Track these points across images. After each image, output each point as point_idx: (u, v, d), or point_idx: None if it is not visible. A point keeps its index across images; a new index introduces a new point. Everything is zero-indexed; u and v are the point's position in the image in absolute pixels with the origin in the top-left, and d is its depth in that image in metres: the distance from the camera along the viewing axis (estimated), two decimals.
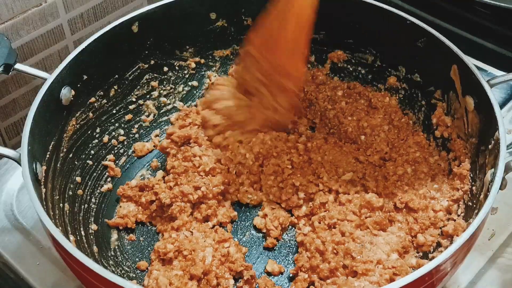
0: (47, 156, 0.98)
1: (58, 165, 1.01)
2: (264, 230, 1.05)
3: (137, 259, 1.02)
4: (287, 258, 1.03)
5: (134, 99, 1.18)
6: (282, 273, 1.01)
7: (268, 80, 1.07)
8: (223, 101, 1.14)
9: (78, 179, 1.06)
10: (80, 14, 1.28)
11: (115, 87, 1.14)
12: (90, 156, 1.10)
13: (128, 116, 1.18)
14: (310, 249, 0.97)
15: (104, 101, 1.13)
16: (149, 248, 1.04)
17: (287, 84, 1.07)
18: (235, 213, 1.07)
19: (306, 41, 1.06)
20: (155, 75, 1.20)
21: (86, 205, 1.06)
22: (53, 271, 1.00)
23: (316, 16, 1.17)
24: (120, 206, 1.08)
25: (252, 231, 1.07)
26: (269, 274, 1.00)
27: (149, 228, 1.07)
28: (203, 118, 1.15)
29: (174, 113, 1.22)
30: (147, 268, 1.00)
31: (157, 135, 1.21)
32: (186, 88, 1.24)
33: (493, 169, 0.89)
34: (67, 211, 0.99)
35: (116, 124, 1.16)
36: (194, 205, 1.05)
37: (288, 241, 1.05)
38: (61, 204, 0.98)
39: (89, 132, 1.11)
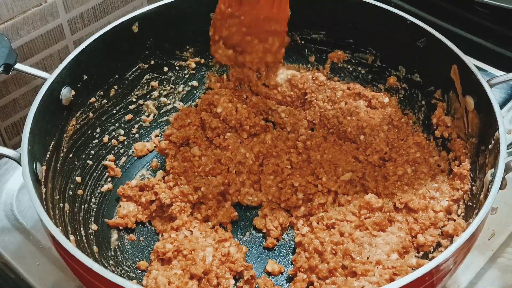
0: (47, 156, 0.98)
1: (58, 165, 1.01)
2: (264, 230, 1.06)
3: (137, 259, 1.02)
4: (287, 258, 1.03)
5: (134, 99, 1.18)
6: (282, 273, 1.01)
7: (254, 29, 1.07)
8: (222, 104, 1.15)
9: (78, 179, 1.06)
10: (80, 14, 1.28)
11: (115, 87, 1.14)
12: (90, 156, 1.10)
13: (128, 116, 1.18)
14: (309, 249, 0.97)
15: (104, 101, 1.13)
16: (149, 248, 1.04)
17: (274, 27, 1.08)
18: (236, 213, 1.07)
19: None
20: (155, 75, 1.20)
21: (86, 205, 1.06)
22: (53, 271, 1.00)
23: (316, 16, 1.18)
24: (120, 206, 1.08)
25: (252, 231, 1.07)
26: (269, 274, 1.00)
27: (149, 228, 1.07)
28: (203, 120, 1.15)
29: (174, 113, 1.22)
30: (147, 268, 1.00)
31: (157, 135, 1.21)
32: (186, 88, 1.24)
33: (493, 169, 0.89)
34: (67, 211, 0.99)
35: (116, 124, 1.16)
36: (194, 205, 1.05)
37: (288, 241, 1.05)
38: (61, 204, 0.98)
39: (89, 132, 1.11)
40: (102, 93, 1.12)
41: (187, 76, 1.24)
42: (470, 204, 0.97)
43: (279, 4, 1.06)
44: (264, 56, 1.14)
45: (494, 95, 0.95)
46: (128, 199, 1.08)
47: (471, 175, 0.99)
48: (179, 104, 1.23)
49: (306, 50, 1.23)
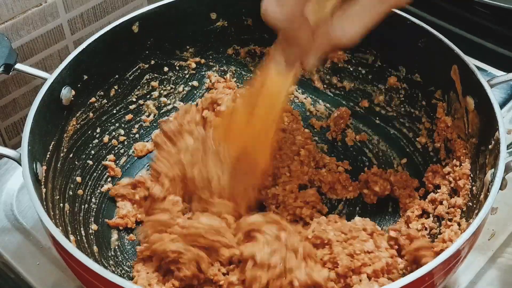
0: (47, 156, 0.98)
1: (59, 165, 1.01)
2: None
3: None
4: None
5: (134, 99, 1.18)
6: None
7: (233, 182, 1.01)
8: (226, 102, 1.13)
9: (79, 179, 1.06)
10: (80, 14, 1.28)
11: (116, 87, 1.14)
12: (91, 156, 1.10)
13: (129, 116, 1.18)
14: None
15: (105, 101, 1.13)
16: None
17: (251, 179, 1.01)
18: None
19: (272, 136, 0.98)
20: (156, 75, 1.20)
21: (86, 205, 1.06)
22: (53, 271, 1.00)
23: None
24: (118, 207, 1.08)
25: None
26: None
27: None
28: (205, 118, 1.14)
29: (174, 112, 1.22)
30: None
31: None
32: (186, 88, 1.24)
33: (493, 169, 0.89)
34: (67, 211, 0.99)
35: (117, 124, 1.16)
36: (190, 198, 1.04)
37: None
38: (61, 204, 0.98)
39: (89, 132, 1.11)
40: (102, 93, 1.12)
41: (187, 76, 1.24)
42: (470, 204, 0.97)
43: (254, 153, 0.99)
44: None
45: (494, 95, 0.95)
46: (123, 198, 1.08)
47: (471, 175, 0.99)
48: (179, 104, 1.23)
49: None
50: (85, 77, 1.07)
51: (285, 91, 0.92)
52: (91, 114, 1.10)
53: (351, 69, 1.21)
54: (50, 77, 0.99)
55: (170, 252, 0.92)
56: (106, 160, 1.13)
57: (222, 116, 1.09)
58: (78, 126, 1.07)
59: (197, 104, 1.22)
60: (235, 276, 0.91)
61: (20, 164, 0.88)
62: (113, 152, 1.15)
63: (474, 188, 0.97)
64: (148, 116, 1.21)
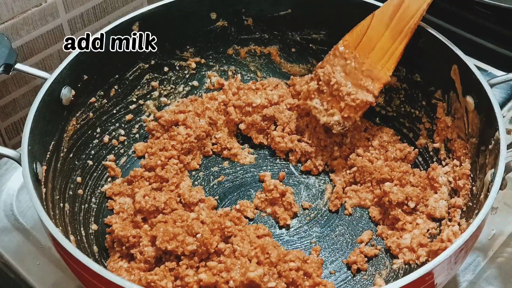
0: (47, 156, 0.98)
1: (59, 165, 1.01)
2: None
3: None
4: None
5: (134, 99, 1.18)
6: None
7: (350, 78, 1.08)
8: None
9: (79, 179, 1.06)
10: (80, 14, 1.28)
11: (116, 87, 1.14)
12: (91, 156, 1.10)
13: (129, 116, 1.18)
14: None
15: (105, 101, 1.13)
16: None
17: (368, 85, 1.07)
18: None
19: (403, 47, 1.07)
20: (156, 75, 1.20)
21: (86, 205, 1.06)
22: (53, 271, 1.00)
23: (317, 16, 1.18)
24: (119, 203, 1.08)
25: None
26: None
27: None
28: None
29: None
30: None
31: None
32: (186, 88, 1.24)
33: (493, 169, 0.89)
34: (67, 211, 0.99)
35: (117, 124, 1.16)
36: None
37: None
38: (61, 204, 0.98)
39: (89, 132, 1.11)
40: (102, 93, 1.12)
41: (187, 76, 1.24)
42: (470, 204, 0.97)
43: (385, 62, 1.08)
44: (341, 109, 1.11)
45: (494, 95, 0.95)
46: (121, 195, 1.09)
47: (471, 175, 0.99)
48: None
49: (306, 50, 1.23)
50: (85, 77, 1.07)
51: (425, 4, 1.04)
52: (91, 114, 1.10)
53: None
54: (50, 77, 0.99)
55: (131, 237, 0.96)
56: (106, 160, 1.13)
57: (353, 31, 1.11)
58: (78, 126, 1.07)
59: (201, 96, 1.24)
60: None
61: (20, 164, 0.88)
62: (113, 152, 1.15)
63: (474, 188, 0.97)
64: (149, 116, 1.21)
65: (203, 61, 1.24)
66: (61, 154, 1.03)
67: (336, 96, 1.09)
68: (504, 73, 1.03)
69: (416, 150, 1.12)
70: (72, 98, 1.04)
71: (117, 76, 1.14)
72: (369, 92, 1.07)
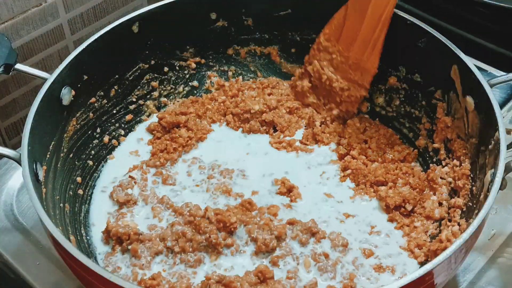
0: (48, 156, 0.98)
1: (59, 165, 1.01)
2: None
3: None
4: None
5: (134, 99, 1.18)
6: None
7: (340, 73, 1.07)
8: None
9: (79, 179, 1.06)
10: (80, 14, 1.28)
11: (116, 87, 1.14)
12: (91, 156, 1.10)
13: (129, 116, 1.18)
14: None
15: (105, 101, 1.13)
16: None
17: (358, 77, 1.08)
18: None
19: (383, 37, 1.08)
20: (156, 75, 1.20)
21: (86, 205, 1.06)
22: (53, 271, 1.00)
23: (317, 16, 1.18)
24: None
25: None
26: None
27: None
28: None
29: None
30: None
31: None
32: (186, 88, 1.24)
33: (493, 170, 0.89)
34: (67, 211, 0.99)
35: (117, 124, 1.16)
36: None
37: None
38: (61, 204, 0.98)
39: (89, 132, 1.11)
40: (102, 93, 1.12)
41: (187, 76, 1.24)
42: (470, 204, 0.97)
43: (370, 53, 1.08)
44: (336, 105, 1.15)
45: (494, 95, 0.95)
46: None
47: (471, 175, 0.99)
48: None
49: (306, 50, 1.23)
50: (85, 77, 1.07)
51: None
52: (91, 114, 1.10)
53: None
54: (50, 77, 0.99)
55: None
56: (107, 161, 1.13)
57: (331, 22, 1.12)
58: (78, 126, 1.07)
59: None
60: None
61: (20, 164, 0.88)
62: (113, 152, 1.15)
63: (474, 188, 0.97)
64: (149, 116, 1.21)
65: (203, 61, 1.24)
66: (61, 154, 1.03)
67: (330, 91, 1.10)
68: (504, 73, 1.03)
69: (416, 150, 1.12)
70: (72, 98, 1.04)
71: (117, 76, 1.14)
72: (360, 86, 1.09)
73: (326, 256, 0.96)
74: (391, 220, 1.02)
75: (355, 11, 1.08)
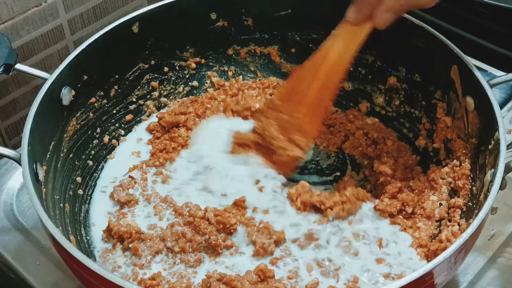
0: (48, 156, 0.98)
1: (59, 165, 1.01)
2: None
3: None
4: None
5: (134, 99, 1.18)
6: None
7: (283, 132, 1.05)
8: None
9: (79, 179, 1.06)
10: (80, 14, 1.28)
11: (116, 87, 1.14)
12: (91, 156, 1.10)
13: (129, 116, 1.18)
14: None
15: (105, 101, 1.13)
16: None
17: (299, 140, 1.05)
18: None
19: (329, 102, 1.08)
20: (156, 75, 1.20)
21: (86, 205, 1.06)
22: (53, 271, 1.00)
23: (316, 16, 1.18)
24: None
25: None
26: None
27: None
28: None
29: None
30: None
31: None
32: (186, 88, 1.24)
33: (493, 169, 0.89)
34: (67, 211, 0.99)
35: (117, 124, 1.16)
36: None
37: None
38: (61, 204, 0.98)
39: (89, 132, 1.11)
40: (102, 93, 1.12)
41: (187, 76, 1.24)
42: (470, 204, 0.97)
43: (310, 116, 1.05)
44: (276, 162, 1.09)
45: (494, 95, 0.95)
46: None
47: (471, 175, 0.99)
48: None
49: (306, 50, 1.23)
50: (85, 77, 1.07)
51: (349, 56, 1.00)
52: (91, 114, 1.10)
53: (351, 69, 1.20)
54: (50, 77, 0.99)
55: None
56: (107, 161, 1.13)
57: (286, 81, 1.11)
58: (78, 126, 1.07)
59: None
60: None
61: (20, 164, 0.88)
62: (113, 152, 1.15)
63: (474, 188, 0.97)
64: (149, 116, 1.21)
65: (203, 61, 1.24)
66: (61, 154, 1.03)
67: (269, 148, 1.07)
68: (504, 73, 1.03)
69: (418, 157, 1.12)
70: (72, 98, 1.04)
71: (117, 76, 1.14)
72: (300, 147, 1.06)
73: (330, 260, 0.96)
74: (393, 223, 1.02)
75: (308, 72, 1.04)
